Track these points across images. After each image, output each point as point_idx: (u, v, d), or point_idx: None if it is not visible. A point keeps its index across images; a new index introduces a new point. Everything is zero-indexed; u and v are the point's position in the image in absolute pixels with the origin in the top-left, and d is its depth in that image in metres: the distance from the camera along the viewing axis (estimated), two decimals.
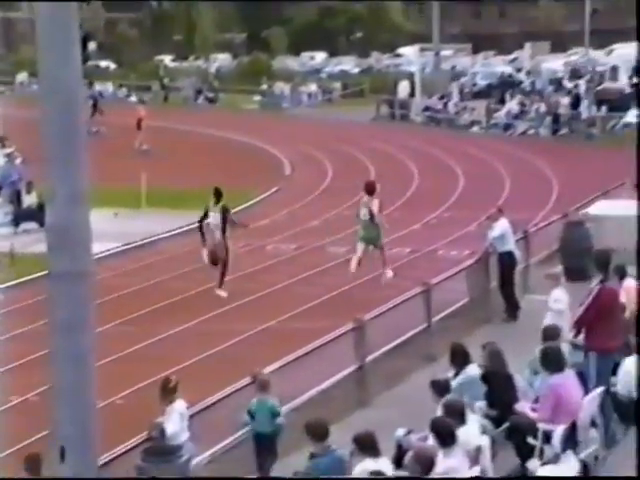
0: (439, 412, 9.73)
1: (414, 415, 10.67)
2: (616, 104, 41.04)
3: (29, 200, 25.95)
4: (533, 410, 10.65)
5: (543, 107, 42.87)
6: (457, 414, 9.47)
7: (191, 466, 10.68)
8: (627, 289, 13.82)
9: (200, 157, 38.54)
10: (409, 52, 69.22)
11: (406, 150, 39.03)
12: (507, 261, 16.66)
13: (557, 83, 49.49)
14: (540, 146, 38.64)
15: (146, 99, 61.58)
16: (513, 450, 10.44)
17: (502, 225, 16.69)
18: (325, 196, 30.59)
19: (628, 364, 11.67)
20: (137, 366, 14.68)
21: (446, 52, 60.61)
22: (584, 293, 11.53)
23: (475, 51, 73.26)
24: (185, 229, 24.00)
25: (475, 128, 45.72)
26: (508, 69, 60.01)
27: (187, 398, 10.88)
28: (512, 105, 45.14)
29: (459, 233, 23.77)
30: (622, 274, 13.99)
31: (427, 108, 49.38)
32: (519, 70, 58.11)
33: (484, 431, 10.09)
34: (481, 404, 10.89)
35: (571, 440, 10.16)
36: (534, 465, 10.01)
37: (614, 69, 44.39)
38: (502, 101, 46.63)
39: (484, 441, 9.66)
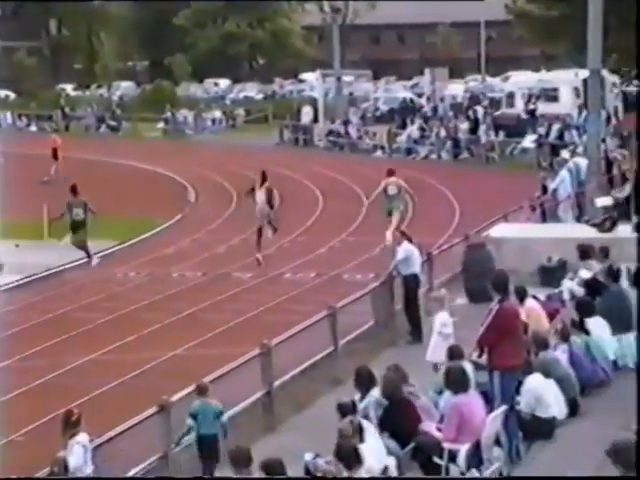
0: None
1: (322, 439, 10.73)
2: (513, 129, 41.98)
3: None
4: (438, 430, 10.82)
5: (443, 132, 43.61)
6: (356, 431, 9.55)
7: None
8: (528, 309, 14.15)
9: (103, 186, 38.10)
10: (311, 78, 69.80)
11: (310, 175, 39.26)
12: (412, 283, 16.88)
13: (457, 108, 50.40)
14: (442, 170, 39.22)
15: (47, 128, 60.78)
16: (419, 470, 10.58)
17: (405, 248, 16.90)
18: (230, 222, 30.57)
19: (530, 382, 11.93)
20: (40, 400, 14.46)
21: (347, 78, 61.24)
22: (485, 313, 11.76)
23: (375, 77, 74.20)
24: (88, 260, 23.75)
25: (378, 152, 46.23)
26: (409, 94, 60.91)
27: (92, 430, 10.75)
28: (413, 130, 45.80)
29: (363, 257, 23.99)
30: (523, 295, 14.33)
31: (330, 133, 49.79)
32: (420, 95, 59.01)
33: (390, 452, 10.21)
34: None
35: (476, 458, 10.36)
36: None
37: (510, 95, 45.41)
38: (404, 126, 47.26)
39: (390, 462, 9.78)
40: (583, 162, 25.03)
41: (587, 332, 13.49)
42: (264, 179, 23.21)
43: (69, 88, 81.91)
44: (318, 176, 39.31)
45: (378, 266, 19.91)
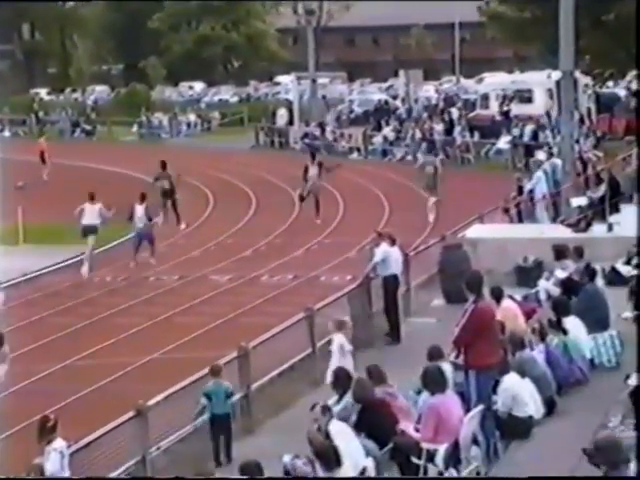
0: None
1: (301, 440, 10.73)
2: (488, 131, 42.17)
3: None
4: (416, 430, 10.85)
5: (418, 133, 43.71)
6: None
7: None
8: (505, 309, 14.21)
9: (78, 191, 37.88)
10: (286, 80, 69.79)
11: (286, 177, 39.22)
12: (391, 285, 16.86)
13: (431, 110, 50.55)
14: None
15: (21, 133, 60.53)
16: (398, 470, 10.61)
17: (383, 250, 16.88)
18: (206, 225, 30.54)
19: (507, 381, 11.97)
20: (15, 407, 14.37)
21: (322, 80, 61.31)
22: (460, 314, 11.79)
23: (350, 79, 74.35)
24: (65, 264, 23.67)
25: (354, 155, 46.30)
26: (384, 96, 61.02)
27: (68, 436, 10.68)
28: (388, 132, 45.89)
29: (340, 258, 24.02)
30: (499, 295, 14.39)
31: (305, 135, 49.81)
32: (394, 97, 59.14)
33: (368, 452, 10.24)
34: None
35: (454, 458, 10.39)
36: None
37: (485, 97, 45.57)
38: (379, 128, 47.35)
39: (369, 462, 9.80)
40: (560, 163, 25.19)
41: (565, 331, 13.56)
42: (313, 157, 31.75)
43: (43, 92, 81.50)
44: (294, 178, 39.27)
45: (355, 268, 19.94)
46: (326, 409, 10.63)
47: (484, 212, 22.65)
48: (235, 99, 75.82)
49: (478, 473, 10.56)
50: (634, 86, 53.08)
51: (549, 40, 39.74)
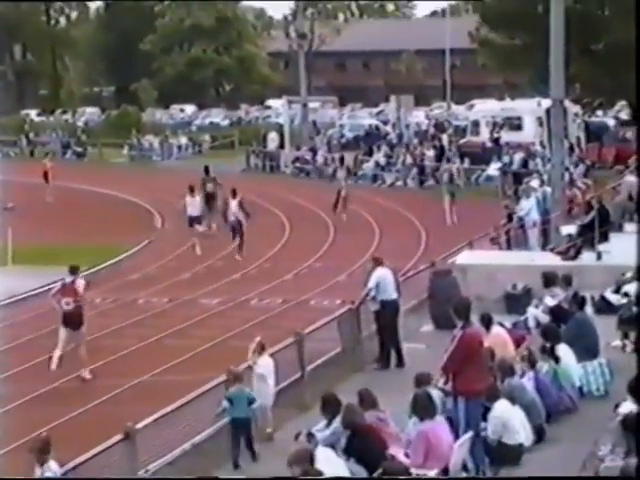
0: None
1: (285, 465, 10.71)
2: (478, 157, 42.32)
3: None
4: (406, 455, 10.86)
5: (409, 159, 43.85)
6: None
7: None
8: (494, 336, 14.23)
9: (69, 212, 38.01)
10: (277, 104, 69.95)
11: (276, 201, 39.31)
12: (390, 309, 16.74)
13: (422, 136, 50.71)
14: (408, 197, 39.42)
15: (12, 154, 60.44)
16: None
17: (378, 275, 16.81)
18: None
19: (498, 408, 11.99)
20: (5, 427, 14.33)
21: (313, 104, 61.47)
22: (448, 340, 11.81)
23: (341, 103, 74.52)
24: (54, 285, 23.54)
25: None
26: (374, 121, 61.21)
27: (58, 458, 10.67)
28: (379, 157, 46.02)
29: (330, 283, 24.04)
30: (488, 322, 14.42)
31: (296, 159, 49.91)
32: (385, 122, 59.34)
33: (357, 478, 10.23)
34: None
35: None
36: None
37: (476, 124, 45.77)
38: (370, 153, 47.48)
39: None
40: (550, 190, 25.32)
41: (557, 359, 13.58)
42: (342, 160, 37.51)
43: (33, 113, 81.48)
44: (285, 202, 39.37)
45: (345, 292, 19.94)
46: (311, 436, 10.63)
47: (474, 238, 22.71)
48: (226, 122, 75.96)
49: None
50: (623, 115, 53.51)
51: (539, 68, 40.06)
